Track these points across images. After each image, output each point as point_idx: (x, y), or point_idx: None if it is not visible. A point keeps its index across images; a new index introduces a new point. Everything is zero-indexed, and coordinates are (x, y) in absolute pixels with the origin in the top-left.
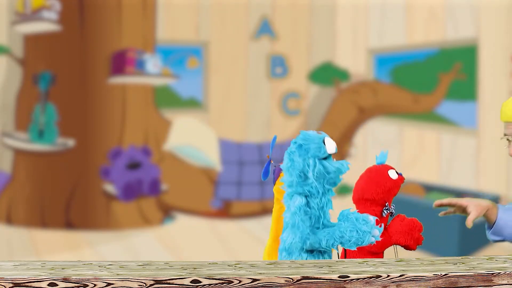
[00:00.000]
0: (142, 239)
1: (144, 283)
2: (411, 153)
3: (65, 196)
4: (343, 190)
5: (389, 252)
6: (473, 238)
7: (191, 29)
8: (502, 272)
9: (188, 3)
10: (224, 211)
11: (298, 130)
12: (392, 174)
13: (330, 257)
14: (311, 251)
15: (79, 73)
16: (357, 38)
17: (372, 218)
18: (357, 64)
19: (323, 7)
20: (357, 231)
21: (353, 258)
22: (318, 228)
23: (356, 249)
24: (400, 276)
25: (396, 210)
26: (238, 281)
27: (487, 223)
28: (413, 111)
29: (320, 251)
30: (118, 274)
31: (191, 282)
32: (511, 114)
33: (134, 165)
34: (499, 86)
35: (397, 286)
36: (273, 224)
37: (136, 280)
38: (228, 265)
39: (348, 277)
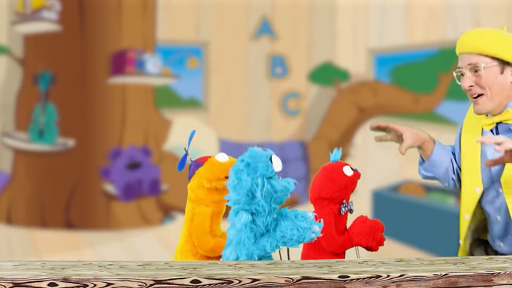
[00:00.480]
0: (142, 239)
1: (144, 283)
2: (411, 153)
3: (65, 196)
4: None
5: (351, 252)
6: None
7: (191, 29)
8: (502, 272)
9: (188, 3)
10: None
11: (298, 130)
12: (347, 171)
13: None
14: (259, 258)
15: (79, 73)
16: (357, 38)
17: (311, 214)
18: (357, 64)
19: (323, 7)
20: (297, 228)
21: (313, 258)
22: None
23: (315, 249)
24: (400, 276)
25: (397, 209)
26: (238, 281)
27: (420, 156)
28: (413, 111)
29: (267, 256)
30: (118, 274)
31: (191, 282)
32: (466, 45)
33: (134, 165)
34: None
35: (397, 286)
36: (185, 224)
37: (136, 280)
38: (228, 265)
39: (348, 277)
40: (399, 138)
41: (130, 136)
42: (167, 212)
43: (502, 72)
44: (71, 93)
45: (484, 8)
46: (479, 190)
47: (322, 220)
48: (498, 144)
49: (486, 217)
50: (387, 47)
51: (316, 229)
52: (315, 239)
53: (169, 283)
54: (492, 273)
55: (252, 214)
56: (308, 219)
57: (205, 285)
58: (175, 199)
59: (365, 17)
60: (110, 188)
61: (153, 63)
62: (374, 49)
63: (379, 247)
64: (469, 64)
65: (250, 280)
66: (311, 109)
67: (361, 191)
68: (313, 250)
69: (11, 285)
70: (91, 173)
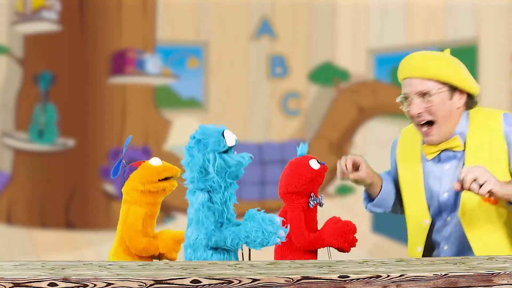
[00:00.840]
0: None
1: (144, 283)
2: None
3: (65, 196)
4: (343, 190)
5: (323, 252)
6: None
7: (191, 29)
8: (502, 272)
9: (188, 3)
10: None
11: (298, 130)
12: (314, 164)
13: (235, 255)
14: (215, 248)
15: (79, 73)
16: (357, 38)
17: (278, 219)
18: (357, 64)
19: (323, 7)
20: (262, 231)
21: (284, 254)
22: (222, 223)
23: (287, 246)
24: (400, 276)
25: None
26: (238, 281)
27: (365, 192)
28: None
29: (225, 249)
30: (118, 274)
31: (191, 282)
32: (416, 69)
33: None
34: (499, 86)
35: (397, 286)
36: (119, 226)
37: (136, 280)
38: (228, 265)
39: (348, 277)
40: (354, 168)
41: None
42: (167, 212)
43: (451, 98)
44: (71, 93)
45: (484, 8)
46: (427, 221)
47: (289, 226)
48: (475, 180)
49: (433, 247)
50: (387, 47)
51: (282, 234)
52: (280, 243)
53: (169, 283)
54: (492, 273)
55: (208, 192)
56: (275, 223)
57: (205, 285)
58: (175, 199)
59: (365, 17)
60: (110, 188)
61: (153, 63)
62: (374, 49)
63: (351, 248)
64: (418, 90)
65: (250, 280)
66: (311, 109)
67: (361, 190)
68: (285, 246)
69: (11, 285)
70: (91, 173)
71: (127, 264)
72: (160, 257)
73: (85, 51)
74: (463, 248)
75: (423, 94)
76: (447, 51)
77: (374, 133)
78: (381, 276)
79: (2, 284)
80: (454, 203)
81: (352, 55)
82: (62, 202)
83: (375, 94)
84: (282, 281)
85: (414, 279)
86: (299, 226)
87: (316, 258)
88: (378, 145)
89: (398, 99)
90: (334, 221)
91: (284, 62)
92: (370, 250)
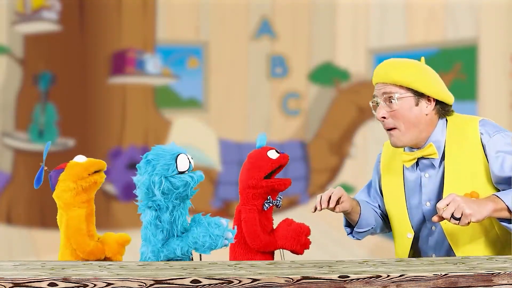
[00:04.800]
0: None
1: (144, 283)
2: None
3: None
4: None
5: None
6: None
7: (191, 29)
8: (502, 272)
9: (188, 3)
10: (224, 211)
11: (298, 130)
12: (272, 154)
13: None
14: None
15: (79, 73)
16: (357, 38)
17: (224, 221)
18: (357, 64)
19: (323, 7)
20: (210, 235)
21: (241, 257)
22: (171, 237)
23: (243, 246)
24: (400, 276)
25: None
26: (238, 281)
27: (345, 219)
28: None
29: (178, 259)
30: (118, 274)
31: (191, 282)
32: (381, 74)
33: (134, 165)
34: (499, 86)
35: (397, 286)
36: (61, 233)
37: (136, 280)
38: (228, 265)
39: (348, 277)
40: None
41: (130, 136)
42: None
43: (417, 104)
44: (71, 93)
45: (484, 8)
46: (410, 235)
47: (236, 227)
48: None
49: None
50: (387, 47)
51: (230, 235)
52: (228, 245)
53: (169, 283)
54: (492, 273)
55: (156, 210)
56: (221, 226)
57: (205, 285)
58: None
59: (365, 17)
60: (110, 188)
61: (153, 63)
62: (374, 49)
63: (305, 250)
64: (383, 93)
65: (250, 280)
66: (311, 109)
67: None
68: (240, 246)
69: (11, 285)
70: None
71: (127, 264)
72: (105, 260)
73: (85, 51)
74: (448, 256)
75: (388, 99)
76: (422, 59)
77: (374, 133)
78: (381, 276)
79: (2, 284)
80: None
81: (352, 55)
82: None
83: None
84: (282, 281)
85: (414, 279)
86: (253, 230)
87: (273, 259)
88: (378, 145)
89: (370, 103)
90: (288, 224)
91: (284, 62)
92: (370, 250)
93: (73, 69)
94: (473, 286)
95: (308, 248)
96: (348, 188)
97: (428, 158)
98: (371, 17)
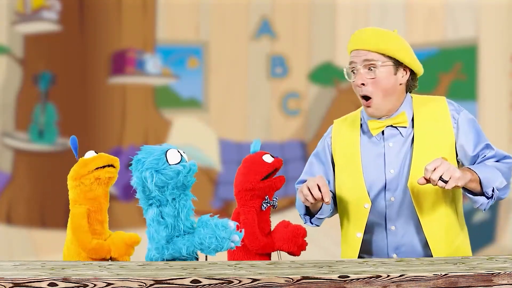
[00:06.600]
0: (142, 239)
1: (144, 283)
2: None
3: (65, 196)
4: None
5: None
6: (474, 238)
7: (191, 29)
8: (502, 272)
9: (188, 3)
10: (224, 211)
11: (298, 130)
12: (267, 158)
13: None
14: (173, 260)
15: (79, 73)
16: None
17: (232, 224)
18: None
19: (323, 7)
20: (216, 237)
21: (238, 257)
22: (178, 236)
23: (241, 248)
24: (400, 276)
25: None
26: (238, 281)
27: (305, 209)
28: None
29: (183, 259)
30: (118, 274)
31: (191, 282)
32: (365, 41)
33: None
34: (499, 86)
35: (397, 286)
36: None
37: (136, 280)
38: (228, 265)
39: (348, 277)
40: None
41: (130, 136)
42: None
43: (395, 73)
44: (71, 93)
45: (484, 8)
46: (367, 205)
47: (243, 230)
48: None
49: (375, 232)
50: None
51: (236, 238)
52: (234, 248)
53: (169, 283)
54: (492, 273)
55: (158, 207)
56: (228, 229)
57: (205, 285)
58: None
59: (365, 17)
60: (110, 188)
61: (153, 63)
62: None
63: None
64: (364, 60)
65: (250, 280)
66: (311, 109)
67: None
68: (239, 249)
69: (11, 285)
70: None
71: (127, 264)
72: (111, 260)
73: (85, 51)
74: (411, 227)
75: (369, 66)
76: (396, 31)
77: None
78: (381, 276)
79: (2, 284)
80: (399, 182)
81: None
82: (62, 202)
83: None
84: (282, 281)
85: (414, 279)
86: (252, 231)
87: (270, 259)
88: None
89: (345, 71)
90: (285, 225)
91: (284, 62)
92: None
93: (73, 69)
94: (473, 286)
95: (304, 249)
96: None
97: (395, 127)
98: (371, 17)
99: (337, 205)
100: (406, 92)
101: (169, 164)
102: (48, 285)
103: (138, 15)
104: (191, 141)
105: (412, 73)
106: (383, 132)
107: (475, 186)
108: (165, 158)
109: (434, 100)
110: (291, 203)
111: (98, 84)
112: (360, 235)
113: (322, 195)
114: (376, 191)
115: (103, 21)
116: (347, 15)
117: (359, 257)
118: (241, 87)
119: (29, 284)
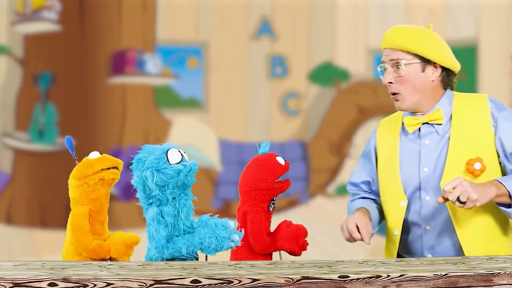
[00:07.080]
0: (142, 239)
1: (144, 283)
2: None
3: (65, 196)
4: (344, 190)
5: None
6: None
7: (191, 29)
8: (502, 272)
9: (188, 3)
10: (224, 211)
11: (298, 130)
12: (281, 160)
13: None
14: (173, 259)
15: (79, 73)
16: (357, 38)
17: (232, 224)
18: (357, 64)
19: (323, 7)
20: (216, 237)
21: (241, 257)
22: (178, 236)
23: (245, 248)
24: (400, 276)
25: None
26: (238, 281)
27: None
28: None
29: (183, 258)
30: (118, 274)
31: (191, 282)
32: (389, 40)
33: None
34: (499, 86)
35: (397, 286)
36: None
37: (136, 280)
38: (228, 265)
39: (348, 277)
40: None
41: (130, 136)
42: None
43: (423, 70)
44: (71, 93)
45: (484, 8)
46: (403, 203)
47: (243, 229)
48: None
49: (412, 230)
50: None
51: (236, 238)
52: (234, 247)
53: (169, 283)
54: (492, 273)
55: (158, 206)
56: (228, 228)
57: (205, 285)
58: None
59: (365, 17)
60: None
61: (153, 63)
62: (374, 49)
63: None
64: (391, 60)
65: (250, 280)
66: (311, 109)
67: None
68: (242, 247)
69: (11, 285)
70: None
71: (127, 264)
72: (111, 260)
73: (85, 51)
74: (446, 228)
75: (395, 64)
76: (431, 27)
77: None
78: (381, 276)
79: (2, 284)
80: (433, 180)
81: (352, 55)
82: (62, 202)
83: (375, 94)
84: (282, 281)
85: (414, 279)
86: (259, 230)
87: (271, 259)
88: None
89: (378, 68)
90: (286, 225)
91: (284, 62)
92: (370, 250)
93: (73, 69)
94: (473, 286)
95: (305, 249)
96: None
97: (432, 124)
98: (371, 17)
99: (381, 203)
100: (445, 89)
101: (170, 164)
102: (48, 285)
103: (138, 15)
104: (191, 141)
105: (447, 70)
106: (420, 129)
107: (505, 200)
108: (166, 157)
109: (475, 97)
110: (291, 203)
111: (98, 84)
112: (397, 233)
113: (362, 237)
114: (412, 189)
115: (103, 21)
116: (347, 15)
117: (398, 256)
118: (241, 87)
119: (29, 284)
